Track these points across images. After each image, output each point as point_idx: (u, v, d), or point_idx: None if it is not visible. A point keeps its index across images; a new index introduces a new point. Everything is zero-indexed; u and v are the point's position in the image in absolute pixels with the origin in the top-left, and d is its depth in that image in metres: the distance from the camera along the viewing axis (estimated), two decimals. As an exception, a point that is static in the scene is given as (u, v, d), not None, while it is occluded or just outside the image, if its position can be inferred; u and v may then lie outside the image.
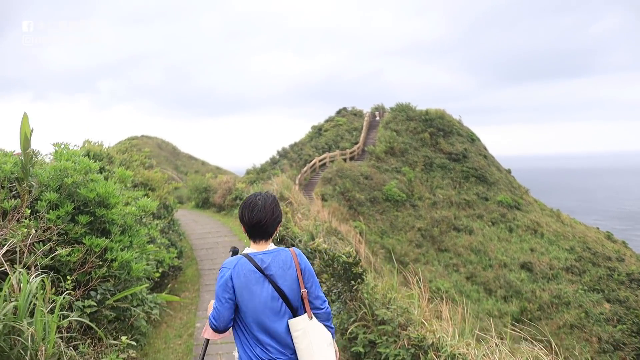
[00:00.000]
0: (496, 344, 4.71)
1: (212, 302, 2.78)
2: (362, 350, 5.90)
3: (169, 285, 8.67)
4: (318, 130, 36.98)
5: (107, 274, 4.82)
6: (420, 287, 6.35)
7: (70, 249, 4.49)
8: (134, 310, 5.19)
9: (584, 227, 30.32)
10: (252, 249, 2.77)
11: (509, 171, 35.58)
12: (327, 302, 2.83)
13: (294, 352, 2.68)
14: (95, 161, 5.32)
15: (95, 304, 4.50)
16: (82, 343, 4.08)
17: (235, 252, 2.93)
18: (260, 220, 2.69)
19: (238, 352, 2.76)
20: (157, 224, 8.57)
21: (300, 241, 9.60)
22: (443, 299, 6.31)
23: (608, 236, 28.89)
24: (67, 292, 4.11)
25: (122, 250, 5.05)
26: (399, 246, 23.49)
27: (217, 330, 2.70)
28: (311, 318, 2.70)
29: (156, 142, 45.66)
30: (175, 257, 9.32)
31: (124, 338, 4.16)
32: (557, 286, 22.03)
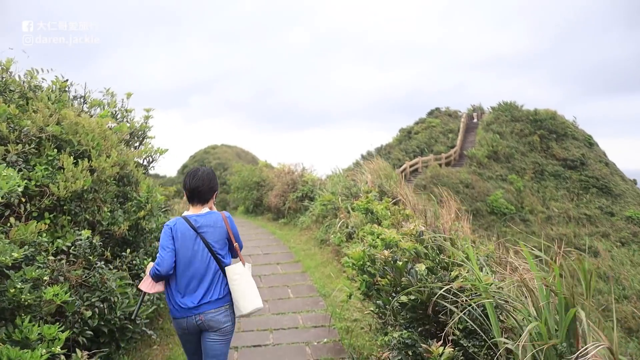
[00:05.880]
0: None
1: (151, 263, 3.28)
2: None
3: None
4: (407, 133, 33.36)
5: None
6: None
7: None
8: None
9: None
10: (189, 212, 3.32)
11: (634, 182, 30.29)
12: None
13: (201, 304, 3.15)
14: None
15: None
16: None
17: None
18: (198, 187, 3.28)
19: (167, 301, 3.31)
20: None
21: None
22: None
23: None
24: None
25: None
26: (509, 269, 19.51)
27: (160, 276, 3.16)
28: (244, 265, 3.29)
29: (235, 151, 44.26)
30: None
31: None
32: None
